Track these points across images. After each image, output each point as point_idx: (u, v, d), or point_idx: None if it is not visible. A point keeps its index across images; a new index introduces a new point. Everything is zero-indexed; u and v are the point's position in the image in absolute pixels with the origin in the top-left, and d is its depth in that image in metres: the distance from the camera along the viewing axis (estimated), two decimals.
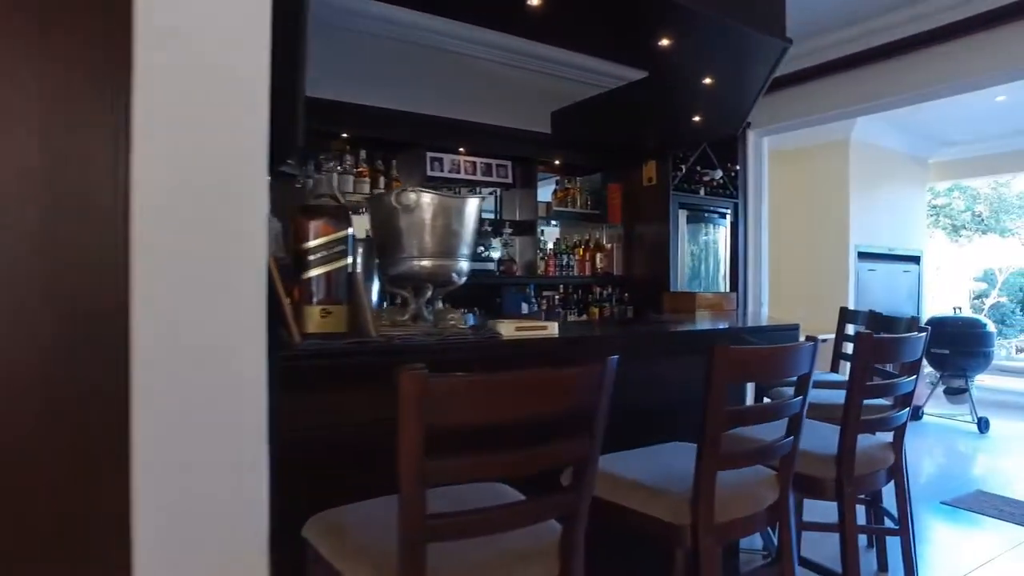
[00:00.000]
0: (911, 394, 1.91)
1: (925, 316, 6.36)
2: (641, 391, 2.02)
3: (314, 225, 1.54)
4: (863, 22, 3.89)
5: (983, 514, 3.34)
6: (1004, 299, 10.13)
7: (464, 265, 1.74)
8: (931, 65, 3.71)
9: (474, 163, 4.07)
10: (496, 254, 4.03)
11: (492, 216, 4.19)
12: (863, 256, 5.86)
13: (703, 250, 4.55)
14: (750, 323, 3.16)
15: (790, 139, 5.53)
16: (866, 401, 1.73)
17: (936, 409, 5.91)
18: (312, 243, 1.54)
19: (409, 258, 1.69)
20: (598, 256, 4.40)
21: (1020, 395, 6.98)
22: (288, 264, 1.59)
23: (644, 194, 4.35)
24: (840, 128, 5.48)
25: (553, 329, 1.77)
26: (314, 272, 1.53)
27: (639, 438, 1.74)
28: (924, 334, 1.90)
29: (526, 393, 0.99)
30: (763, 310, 4.75)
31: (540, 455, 1.02)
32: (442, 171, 3.95)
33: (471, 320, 3.09)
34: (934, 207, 10.50)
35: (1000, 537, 3.08)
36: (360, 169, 3.68)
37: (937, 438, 5.24)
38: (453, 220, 1.70)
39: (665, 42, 2.44)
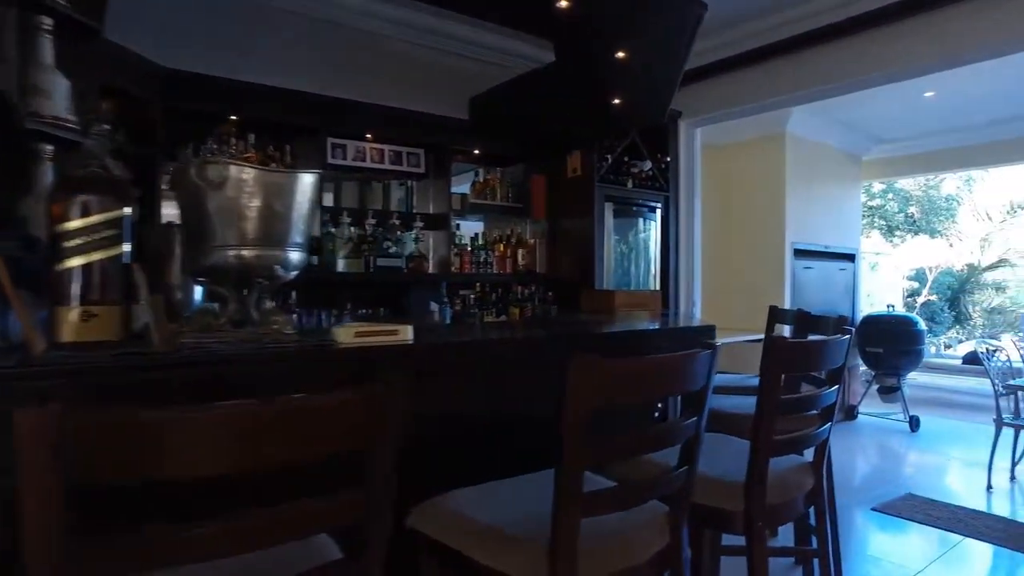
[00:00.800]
0: (833, 406, 1.66)
1: (861, 314, 6.34)
2: (532, 405, 1.72)
3: (73, 202, 1.18)
4: (791, 8, 3.72)
5: (912, 520, 3.29)
6: (934, 297, 10.37)
7: (294, 256, 1.40)
8: (860, 52, 3.57)
9: (382, 151, 3.71)
10: (408, 249, 3.68)
11: (403, 209, 3.84)
12: (799, 254, 5.76)
13: (632, 248, 4.31)
14: (681, 323, 2.92)
15: (726, 134, 5.37)
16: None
17: (870, 408, 5.92)
18: (70, 225, 1.17)
19: (221, 247, 1.34)
20: (520, 252, 4.08)
21: (948, 391, 7.20)
22: None
23: (568, 186, 4.07)
24: (775, 121, 5.35)
25: (407, 334, 1.44)
26: (71, 263, 1.17)
27: (521, 463, 1.44)
28: (847, 336, 1.65)
29: (247, 433, 0.66)
30: (695, 310, 4.54)
31: (280, 522, 0.69)
32: (345, 159, 3.58)
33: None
34: (870, 208, 10.69)
35: (929, 544, 3.02)
36: (249, 155, 3.28)
37: (871, 437, 5.27)
38: (276, 201, 1.36)
39: (564, 3, 2.15)
